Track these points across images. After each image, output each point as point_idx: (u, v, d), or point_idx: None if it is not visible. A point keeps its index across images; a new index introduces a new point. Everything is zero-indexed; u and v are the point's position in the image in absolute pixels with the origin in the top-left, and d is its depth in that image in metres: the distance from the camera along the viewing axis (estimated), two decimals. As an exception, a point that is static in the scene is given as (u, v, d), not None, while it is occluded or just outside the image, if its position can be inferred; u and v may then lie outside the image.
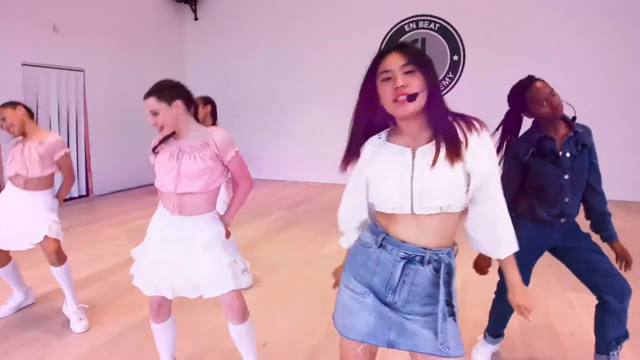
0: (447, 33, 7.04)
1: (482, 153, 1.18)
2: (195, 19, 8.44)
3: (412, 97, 1.15)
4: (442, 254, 1.21)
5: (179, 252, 1.81)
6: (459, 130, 1.18)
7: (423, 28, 7.14)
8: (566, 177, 1.85)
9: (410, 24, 7.18)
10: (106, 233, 4.46)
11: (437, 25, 7.06)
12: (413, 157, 1.20)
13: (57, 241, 2.49)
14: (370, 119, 1.29)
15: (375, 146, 1.28)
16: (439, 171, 1.16)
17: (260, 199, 6.19)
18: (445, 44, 7.07)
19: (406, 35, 7.22)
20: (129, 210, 5.43)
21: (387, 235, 1.25)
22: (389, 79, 1.18)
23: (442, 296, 1.19)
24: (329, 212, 5.31)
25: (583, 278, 1.93)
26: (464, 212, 1.28)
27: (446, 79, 7.12)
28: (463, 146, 1.16)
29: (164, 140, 1.87)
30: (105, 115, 6.75)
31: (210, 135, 1.82)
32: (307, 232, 4.53)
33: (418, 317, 1.23)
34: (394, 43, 1.28)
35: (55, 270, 2.50)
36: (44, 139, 2.47)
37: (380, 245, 1.25)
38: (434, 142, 1.18)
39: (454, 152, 1.15)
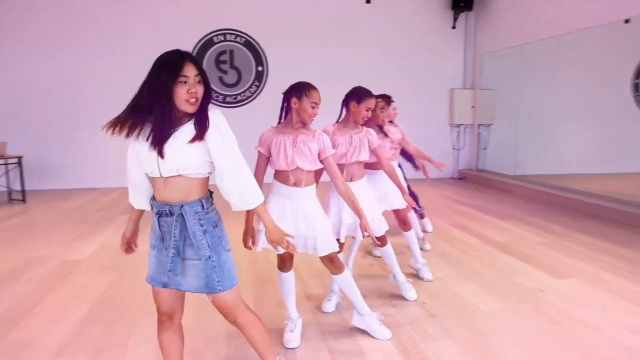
0: (252, 46, 8.02)
1: (216, 141, 1.58)
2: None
3: (197, 100, 1.57)
4: (185, 207, 1.59)
5: None
6: (209, 124, 1.58)
7: (230, 41, 7.94)
8: None
9: (219, 36, 7.88)
10: None
11: (243, 39, 7.96)
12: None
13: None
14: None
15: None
16: (178, 146, 1.55)
17: (90, 206, 5.97)
18: (251, 56, 8.05)
19: (215, 47, 7.89)
20: None
21: (152, 198, 1.69)
22: (185, 82, 1.54)
23: (197, 240, 1.60)
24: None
25: None
26: None
27: (252, 86, 8.12)
28: (206, 134, 1.57)
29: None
30: None
31: None
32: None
33: (186, 261, 1.63)
34: (183, 52, 1.60)
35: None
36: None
37: (151, 207, 1.69)
38: (184, 126, 1.58)
39: (197, 136, 1.56)
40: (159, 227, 1.64)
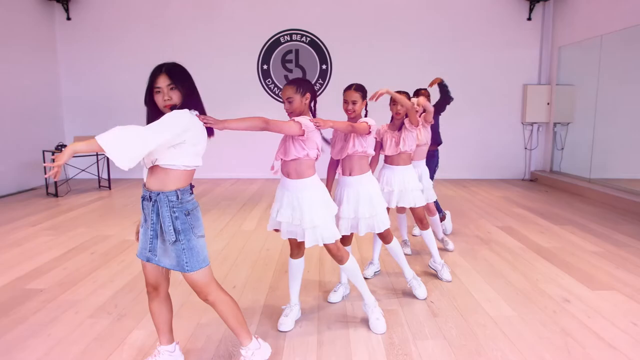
0: (317, 45, 8.25)
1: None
2: (68, 18, 8.32)
3: (173, 107, 1.84)
4: (160, 195, 1.82)
5: None
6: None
7: (296, 40, 8.25)
8: None
9: (285, 37, 8.23)
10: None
11: (308, 38, 8.23)
12: None
13: None
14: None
15: None
16: None
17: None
18: (315, 55, 8.29)
19: (281, 47, 8.26)
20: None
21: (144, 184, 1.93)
22: (159, 92, 1.82)
23: (166, 225, 1.82)
24: (231, 201, 6.11)
25: None
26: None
27: (317, 84, 8.35)
28: None
29: None
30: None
31: None
32: (220, 216, 5.30)
33: (165, 242, 1.85)
34: (163, 65, 1.85)
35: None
36: None
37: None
38: None
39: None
40: (143, 209, 1.90)
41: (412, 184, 3.22)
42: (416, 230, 4.56)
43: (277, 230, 2.52)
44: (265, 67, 8.33)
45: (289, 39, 8.26)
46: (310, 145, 2.32)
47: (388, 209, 3.26)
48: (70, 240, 4.35)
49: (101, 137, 1.60)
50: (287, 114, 2.41)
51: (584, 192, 6.75)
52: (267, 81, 8.37)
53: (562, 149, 8.12)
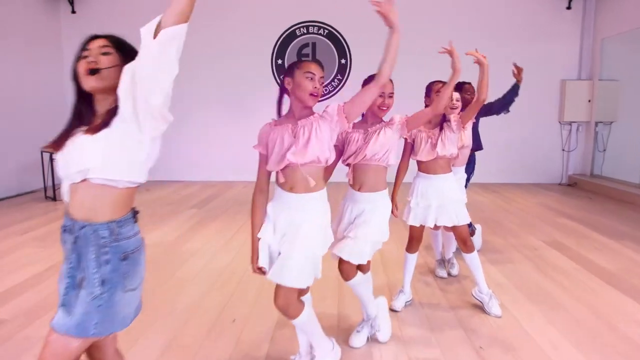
0: (335, 38, 7.67)
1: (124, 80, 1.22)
2: (73, 12, 7.91)
3: (94, 71, 1.24)
4: (86, 229, 1.24)
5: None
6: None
7: (313, 33, 7.67)
8: None
9: (302, 29, 7.66)
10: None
11: (326, 31, 7.65)
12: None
13: None
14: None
15: None
16: (76, 140, 1.26)
17: (165, 199, 6.19)
18: (334, 49, 7.70)
19: (298, 39, 7.69)
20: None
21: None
22: (86, 57, 1.27)
23: (89, 273, 1.24)
24: (242, 206, 5.57)
25: None
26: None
27: (335, 80, 7.76)
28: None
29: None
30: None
31: None
32: (230, 224, 4.78)
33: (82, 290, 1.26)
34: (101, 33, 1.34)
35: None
36: None
37: None
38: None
39: (95, 127, 1.24)
40: (62, 243, 1.33)
41: (452, 195, 2.62)
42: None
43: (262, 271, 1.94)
44: (279, 61, 7.78)
45: (305, 31, 7.69)
46: (333, 143, 1.85)
47: (422, 226, 2.68)
48: (57, 254, 3.85)
49: None
50: (311, 99, 1.82)
51: (633, 199, 6.02)
52: (281, 77, 7.82)
53: (604, 150, 7.38)
